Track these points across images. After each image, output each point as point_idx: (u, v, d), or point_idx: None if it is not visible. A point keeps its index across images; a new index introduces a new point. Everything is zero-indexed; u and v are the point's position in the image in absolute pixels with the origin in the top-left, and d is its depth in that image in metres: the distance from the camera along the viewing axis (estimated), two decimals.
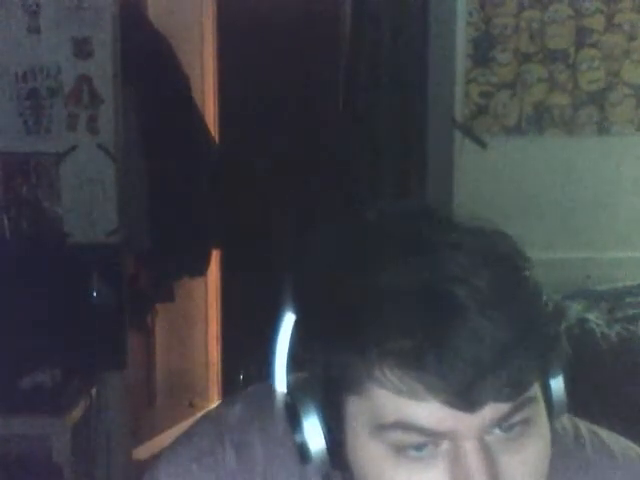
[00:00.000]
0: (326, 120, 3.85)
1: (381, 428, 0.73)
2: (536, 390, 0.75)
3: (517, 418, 0.73)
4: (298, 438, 0.77)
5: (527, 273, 0.77)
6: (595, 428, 0.93)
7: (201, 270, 3.97)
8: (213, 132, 4.11)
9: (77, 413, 2.94)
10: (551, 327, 0.76)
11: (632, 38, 3.27)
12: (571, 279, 3.18)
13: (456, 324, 0.70)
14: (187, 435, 0.91)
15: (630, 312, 2.96)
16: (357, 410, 0.75)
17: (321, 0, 4.14)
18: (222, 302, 4.42)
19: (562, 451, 0.87)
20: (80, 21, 3.22)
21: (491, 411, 0.71)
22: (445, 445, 0.73)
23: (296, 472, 0.85)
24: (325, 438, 0.77)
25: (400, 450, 0.73)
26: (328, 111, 3.82)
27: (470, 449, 0.72)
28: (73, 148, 3.27)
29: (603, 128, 3.32)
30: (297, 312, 0.78)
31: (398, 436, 0.72)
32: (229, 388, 4.20)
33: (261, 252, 4.10)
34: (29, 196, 3.26)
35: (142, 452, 3.60)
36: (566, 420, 0.91)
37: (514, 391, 0.71)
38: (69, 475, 2.84)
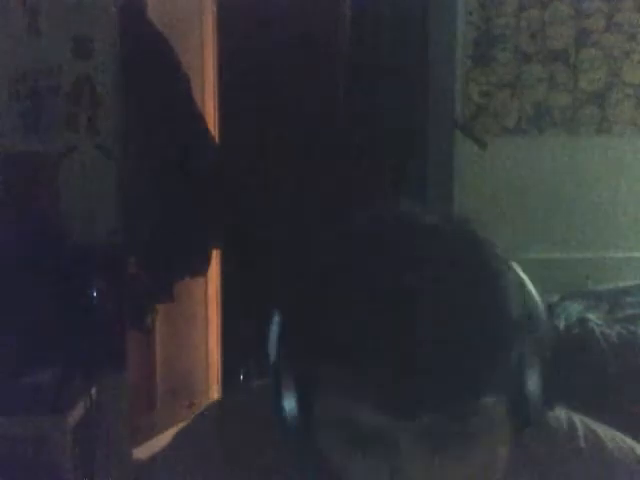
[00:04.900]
0: (326, 120, 3.85)
1: (334, 420, 0.77)
2: (486, 403, 0.75)
3: (459, 428, 0.74)
4: (278, 418, 0.80)
5: (495, 285, 0.76)
6: (591, 422, 0.94)
7: (201, 270, 3.97)
8: (213, 132, 4.11)
9: (77, 413, 2.94)
10: (501, 345, 0.75)
11: (632, 38, 3.27)
12: (571, 279, 3.18)
13: (397, 336, 0.71)
14: (185, 434, 0.95)
15: (630, 312, 2.96)
16: (320, 400, 0.78)
17: (321, 0, 4.15)
18: (222, 302, 4.42)
19: (555, 444, 0.89)
20: (80, 21, 3.23)
21: (428, 420, 0.73)
22: (388, 445, 0.75)
23: (278, 468, 0.88)
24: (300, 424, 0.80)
25: (350, 443, 0.76)
26: (328, 111, 3.82)
27: (407, 453, 0.74)
28: (73, 148, 3.27)
29: (603, 128, 3.31)
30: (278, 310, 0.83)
31: (346, 430, 0.76)
32: (229, 388, 4.20)
33: (261, 252, 4.10)
34: (29, 196, 3.26)
35: (142, 452, 3.60)
36: (562, 414, 0.92)
37: (450, 404, 0.72)
38: (69, 475, 2.84)
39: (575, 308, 2.96)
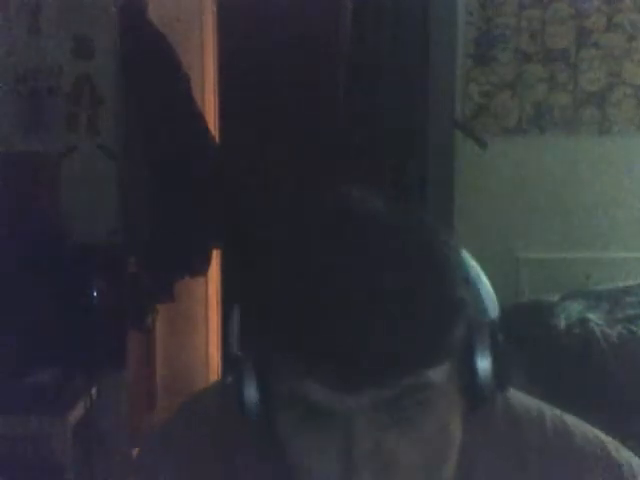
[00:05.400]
0: (326, 120, 3.85)
1: (290, 401, 0.79)
2: (432, 379, 0.77)
3: (409, 401, 0.77)
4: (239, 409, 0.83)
5: (435, 265, 0.79)
6: (561, 413, 0.95)
7: (201, 269, 3.97)
8: (213, 132, 4.11)
9: (77, 413, 2.94)
10: (441, 323, 0.77)
11: (633, 38, 3.27)
12: (571, 279, 3.18)
13: (341, 313, 0.74)
14: (184, 411, 1.01)
15: (630, 312, 2.95)
16: (276, 384, 0.80)
17: (321, 0, 4.15)
18: (222, 302, 4.42)
19: (520, 429, 0.91)
20: (80, 21, 3.23)
21: (374, 393, 0.75)
22: (340, 420, 0.77)
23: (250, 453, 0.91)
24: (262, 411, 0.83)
25: (304, 421, 0.79)
26: (328, 110, 3.82)
27: (357, 426, 0.76)
28: (73, 148, 3.27)
29: (604, 128, 3.31)
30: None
31: (300, 408, 0.78)
32: None
33: (261, 252, 4.10)
34: (29, 196, 3.26)
35: None
36: (532, 403, 0.94)
37: (391, 377, 0.75)
38: (69, 475, 2.84)
39: (575, 308, 2.96)
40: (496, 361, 0.80)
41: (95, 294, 3.04)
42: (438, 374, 0.77)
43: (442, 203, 3.27)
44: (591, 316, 2.90)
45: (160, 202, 3.55)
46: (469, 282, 0.81)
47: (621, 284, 3.14)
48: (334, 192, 0.84)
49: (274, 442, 0.82)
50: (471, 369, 0.80)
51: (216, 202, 3.84)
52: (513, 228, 3.30)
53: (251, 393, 0.82)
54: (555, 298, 3.02)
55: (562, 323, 2.86)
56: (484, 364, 0.80)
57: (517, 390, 0.94)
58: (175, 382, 4.17)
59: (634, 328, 2.82)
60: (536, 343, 2.88)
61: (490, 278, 0.84)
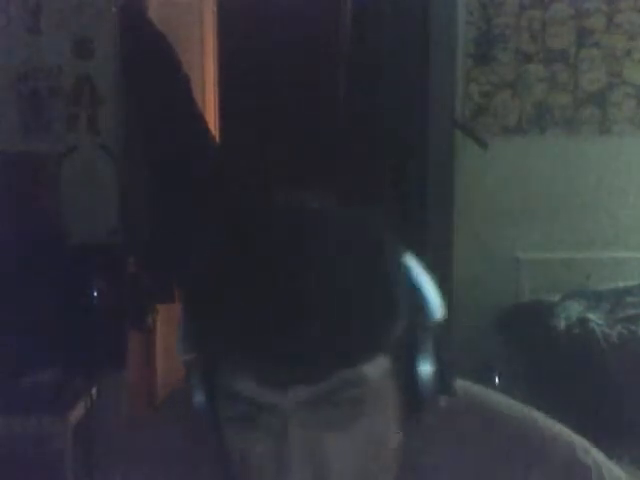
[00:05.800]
0: (326, 120, 3.85)
1: (228, 400, 0.80)
2: (371, 372, 0.77)
3: (342, 397, 0.77)
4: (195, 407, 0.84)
5: (374, 266, 0.79)
6: (533, 412, 0.95)
7: None
8: (213, 132, 4.11)
9: (77, 413, 2.94)
10: (369, 318, 0.77)
11: (633, 38, 3.27)
12: (571, 279, 3.18)
13: (272, 310, 0.75)
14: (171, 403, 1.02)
15: (631, 312, 2.96)
16: (217, 382, 0.81)
17: (321, 0, 4.15)
18: None
19: (488, 432, 0.90)
20: (80, 21, 3.23)
21: (305, 390, 0.76)
22: (275, 418, 0.77)
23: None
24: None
25: (238, 419, 0.79)
26: (328, 111, 3.82)
27: (290, 423, 0.77)
28: (73, 148, 3.27)
29: (604, 128, 3.31)
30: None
31: (235, 406, 0.79)
32: None
33: (261, 252, 4.09)
34: (29, 196, 3.26)
35: None
36: (503, 402, 0.94)
37: (320, 372, 0.75)
38: (69, 475, 2.84)
39: (576, 308, 2.96)
40: (437, 363, 0.81)
41: (95, 294, 3.04)
42: (372, 371, 0.78)
43: (442, 203, 3.27)
44: (591, 316, 2.90)
45: (160, 202, 3.55)
46: (411, 284, 0.81)
47: (621, 284, 3.14)
48: (285, 193, 0.85)
49: (221, 442, 0.83)
50: (410, 370, 0.80)
51: (216, 202, 3.84)
52: (513, 228, 3.30)
53: (197, 394, 0.83)
54: (555, 298, 3.02)
55: (562, 323, 2.87)
56: (423, 365, 0.80)
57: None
58: (175, 382, 4.17)
59: (634, 328, 2.82)
60: (536, 343, 2.88)
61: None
